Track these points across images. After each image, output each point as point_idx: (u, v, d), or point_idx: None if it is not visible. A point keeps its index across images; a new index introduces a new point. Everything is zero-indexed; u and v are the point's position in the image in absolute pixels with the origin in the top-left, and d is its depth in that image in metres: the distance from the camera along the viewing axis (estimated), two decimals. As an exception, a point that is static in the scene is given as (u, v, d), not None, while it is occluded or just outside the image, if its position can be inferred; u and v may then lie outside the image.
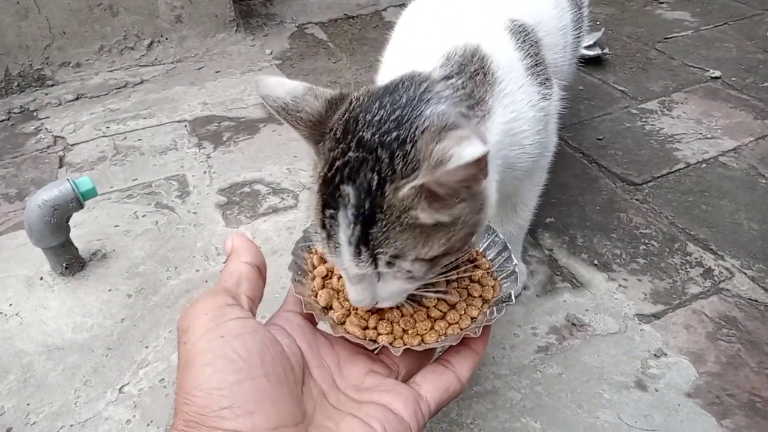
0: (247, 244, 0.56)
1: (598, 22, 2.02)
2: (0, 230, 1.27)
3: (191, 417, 0.42)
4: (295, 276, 0.61)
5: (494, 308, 0.59)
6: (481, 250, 0.66)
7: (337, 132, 0.53)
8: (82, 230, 1.21)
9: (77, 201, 1.03)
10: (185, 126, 1.62)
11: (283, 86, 0.57)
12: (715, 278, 1.07)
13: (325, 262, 0.64)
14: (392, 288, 0.55)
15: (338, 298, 0.60)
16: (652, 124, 1.52)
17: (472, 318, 0.59)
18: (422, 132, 0.51)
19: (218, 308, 0.48)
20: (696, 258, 1.12)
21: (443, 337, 0.57)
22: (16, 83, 1.82)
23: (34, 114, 1.73)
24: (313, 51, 2.03)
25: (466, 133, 0.48)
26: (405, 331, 0.57)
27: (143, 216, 1.28)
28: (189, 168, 1.44)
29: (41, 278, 1.12)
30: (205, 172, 1.42)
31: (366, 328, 0.57)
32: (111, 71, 1.91)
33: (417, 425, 0.50)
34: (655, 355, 0.94)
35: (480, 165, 0.47)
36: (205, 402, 0.42)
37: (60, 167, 1.48)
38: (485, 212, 0.57)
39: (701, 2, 2.19)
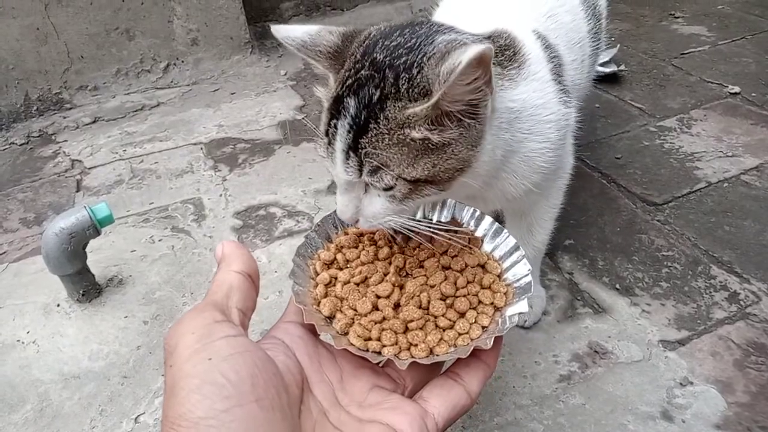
0: (239, 250, 0.53)
1: (613, 38, 2.01)
2: (18, 255, 1.28)
3: None
4: (295, 284, 0.58)
5: (507, 317, 0.56)
6: (490, 252, 0.63)
7: (357, 55, 0.60)
8: (99, 255, 1.22)
9: (94, 228, 1.03)
10: (201, 148, 1.63)
11: (299, 29, 0.63)
12: (741, 302, 1.04)
13: (328, 267, 0.62)
14: (374, 206, 0.59)
15: (341, 307, 0.58)
16: (671, 142, 1.49)
17: (483, 327, 0.56)
18: (428, 59, 0.55)
19: (206, 326, 0.45)
20: (720, 281, 1.09)
21: (452, 349, 0.54)
22: (35, 107, 1.85)
23: (53, 137, 1.75)
24: (327, 71, 2.03)
25: (467, 43, 0.54)
26: (412, 344, 0.55)
27: (159, 240, 1.28)
28: (205, 191, 1.44)
29: (58, 305, 1.12)
30: (220, 195, 1.42)
31: (369, 339, 0.55)
32: (128, 94, 1.93)
33: None
34: (681, 383, 0.91)
35: (484, 66, 0.51)
36: None
37: (77, 191, 1.49)
38: (477, 158, 0.60)
39: (718, 16, 2.16)
